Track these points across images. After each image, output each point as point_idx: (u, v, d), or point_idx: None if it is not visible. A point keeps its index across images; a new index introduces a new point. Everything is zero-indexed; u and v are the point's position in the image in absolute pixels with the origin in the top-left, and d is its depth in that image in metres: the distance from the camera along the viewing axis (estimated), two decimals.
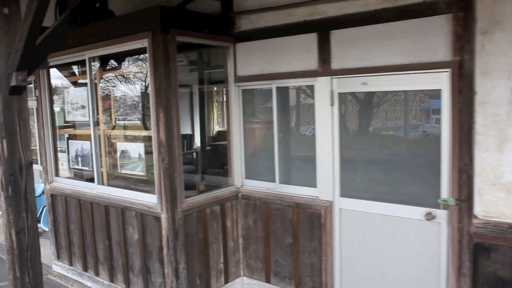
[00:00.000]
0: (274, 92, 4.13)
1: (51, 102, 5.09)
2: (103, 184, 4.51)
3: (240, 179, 4.48)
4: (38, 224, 6.07)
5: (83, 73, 5.10)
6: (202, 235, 4.14)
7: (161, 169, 3.78)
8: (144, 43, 3.78)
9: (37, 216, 6.13)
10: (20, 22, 2.73)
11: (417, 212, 3.43)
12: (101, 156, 4.50)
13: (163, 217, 3.84)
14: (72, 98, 4.95)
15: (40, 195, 6.81)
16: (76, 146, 4.92)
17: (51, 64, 4.93)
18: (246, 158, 4.47)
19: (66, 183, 4.96)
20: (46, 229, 5.73)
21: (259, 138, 4.51)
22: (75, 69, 5.11)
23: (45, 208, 5.88)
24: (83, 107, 4.76)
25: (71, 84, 5.09)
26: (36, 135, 6.35)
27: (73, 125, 5.14)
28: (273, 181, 4.22)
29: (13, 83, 2.66)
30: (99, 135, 4.47)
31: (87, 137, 4.81)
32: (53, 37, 2.87)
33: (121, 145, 4.35)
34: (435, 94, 3.43)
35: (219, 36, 4.22)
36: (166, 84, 3.72)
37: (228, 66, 4.38)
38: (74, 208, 4.86)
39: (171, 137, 3.78)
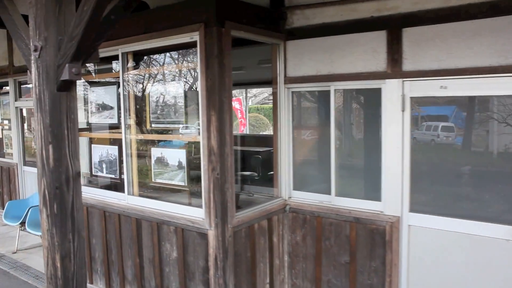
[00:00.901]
0: (332, 95, 3.69)
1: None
2: (133, 194, 3.99)
3: (287, 190, 4.01)
4: None
5: (101, 71, 4.60)
6: (250, 253, 3.66)
7: (211, 180, 3.29)
8: (193, 37, 3.31)
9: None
10: (72, 4, 2.25)
11: (504, 231, 3.02)
12: (132, 163, 3.98)
13: (211, 233, 3.35)
14: (97, 98, 4.42)
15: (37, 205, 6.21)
16: (101, 151, 4.39)
17: None
18: (295, 167, 4.02)
19: (88, 192, 4.41)
20: None
21: (311, 145, 4.07)
22: (99, 66, 4.58)
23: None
24: (110, 108, 4.24)
25: (95, 82, 4.55)
26: None
27: (95, 128, 4.61)
28: (328, 193, 3.77)
29: (65, 76, 2.15)
30: (131, 140, 3.96)
31: (114, 141, 4.30)
32: (107, 24, 2.38)
33: (156, 151, 3.84)
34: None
35: (269, 32, 3.77)
36: (220, 83, 3.24)
37: (278, 66, 3.92)
38: (97, 220, 4.31)
39: (224, 144, 3.30)
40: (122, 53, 3.86)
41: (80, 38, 2.08)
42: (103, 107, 4.31)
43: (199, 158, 3.38)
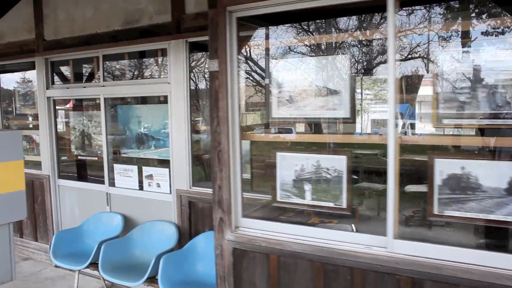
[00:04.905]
0: None
1: (238, 86, 2.61)
2: (395, 237, 2.23)
3: None
4: None
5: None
6: None
7: None
8: None
9: (149, 272, 3.51)
10: None
11: None
12: (396, 186, 2.22)
13: None
14: (293, 79, 2.54)
15: (116, 236, 4.07)
16: (299, 163, 2.53)
17: (253, 11, 2.50)
18: None
19: (278, 232, 2.53)
20: None
21: None
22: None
23: (162, 260, 3.30)
24: (331, 92, 2.41)
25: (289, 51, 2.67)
26: (178, 140, 3.64)
27: (277, 125, 2.73)
28: None
29: None
30: (397, 145, 2.19)
31: (316, 149, 2.49)
32: None
33: (450, 165, 2.12)
34: None
35: None
36: None
37: None
38: (305, 276, 2.47)
39: None
40: None
41: None
42: (311, 92, 2.46)
43: None
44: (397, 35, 2.19)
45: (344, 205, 2.43)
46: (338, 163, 2.40)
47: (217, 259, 2.73)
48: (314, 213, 2.82)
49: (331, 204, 2.47)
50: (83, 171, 4.78)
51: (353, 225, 2.94)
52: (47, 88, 4.68)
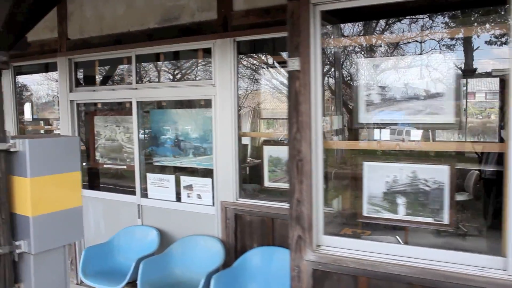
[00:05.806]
0: None
1: (322, 85, 2.35)
2: None
3: None
4: None
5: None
6: None
7: None
8: None
9: None
10: None
11: None
12: None
13: None
14: (383, 79, 2.29)
15: (152, 253, 3.72)
16: (390, 173, 2.28)
17: (341, 4, 2.25)
18: None
19: (367, 250, 2.26)
20: None
21: None
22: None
23: (212, 280, 2.99)
24: (427, 96, 2.16)
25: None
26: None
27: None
28: None
29: None
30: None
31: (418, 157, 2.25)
32: None
33: None
34: None
35: None
36: None
37: None
38: None
39: None
40: None
41: None
42: (406, 96, 2.21)
43: None
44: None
45: (446, 221, 2.17)
46: (438, 174, 2.16)
47: (293, 281, 2.44)
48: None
49: (429, 220, 2.21)
50: (109, 180, 4.45)
51: (397, 237, 2.72)
52: (70, 91, 4.35)
